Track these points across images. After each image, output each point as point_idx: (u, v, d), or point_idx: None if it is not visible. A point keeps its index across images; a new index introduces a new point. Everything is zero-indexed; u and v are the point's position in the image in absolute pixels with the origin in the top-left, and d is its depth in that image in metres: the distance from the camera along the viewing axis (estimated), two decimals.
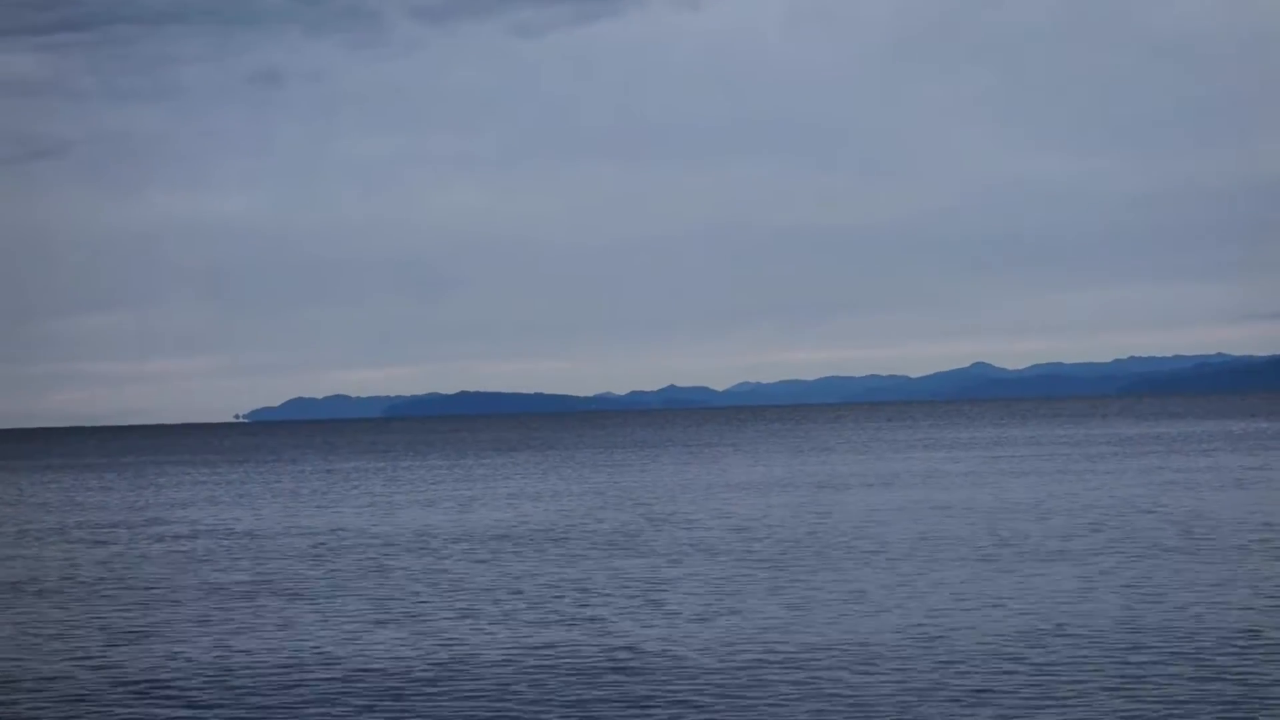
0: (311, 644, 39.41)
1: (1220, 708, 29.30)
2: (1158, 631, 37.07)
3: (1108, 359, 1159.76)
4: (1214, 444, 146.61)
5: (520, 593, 48.25)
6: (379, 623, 42.92)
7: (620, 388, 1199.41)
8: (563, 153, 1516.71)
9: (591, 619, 41.85)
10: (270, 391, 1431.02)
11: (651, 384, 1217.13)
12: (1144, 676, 32.00)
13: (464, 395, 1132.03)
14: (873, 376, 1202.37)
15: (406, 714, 31.10)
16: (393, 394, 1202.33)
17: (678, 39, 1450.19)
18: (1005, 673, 32.80)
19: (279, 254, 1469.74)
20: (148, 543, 72.56)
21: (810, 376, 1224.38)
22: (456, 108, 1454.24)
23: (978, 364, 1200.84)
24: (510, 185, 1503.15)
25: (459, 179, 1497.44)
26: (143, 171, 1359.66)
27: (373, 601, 47.71)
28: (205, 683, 34.74)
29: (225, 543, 71.10)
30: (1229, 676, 31.75)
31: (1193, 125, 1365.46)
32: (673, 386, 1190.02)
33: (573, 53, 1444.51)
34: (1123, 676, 32.06)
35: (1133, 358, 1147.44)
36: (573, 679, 33.52)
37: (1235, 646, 34.97)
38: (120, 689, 34.37)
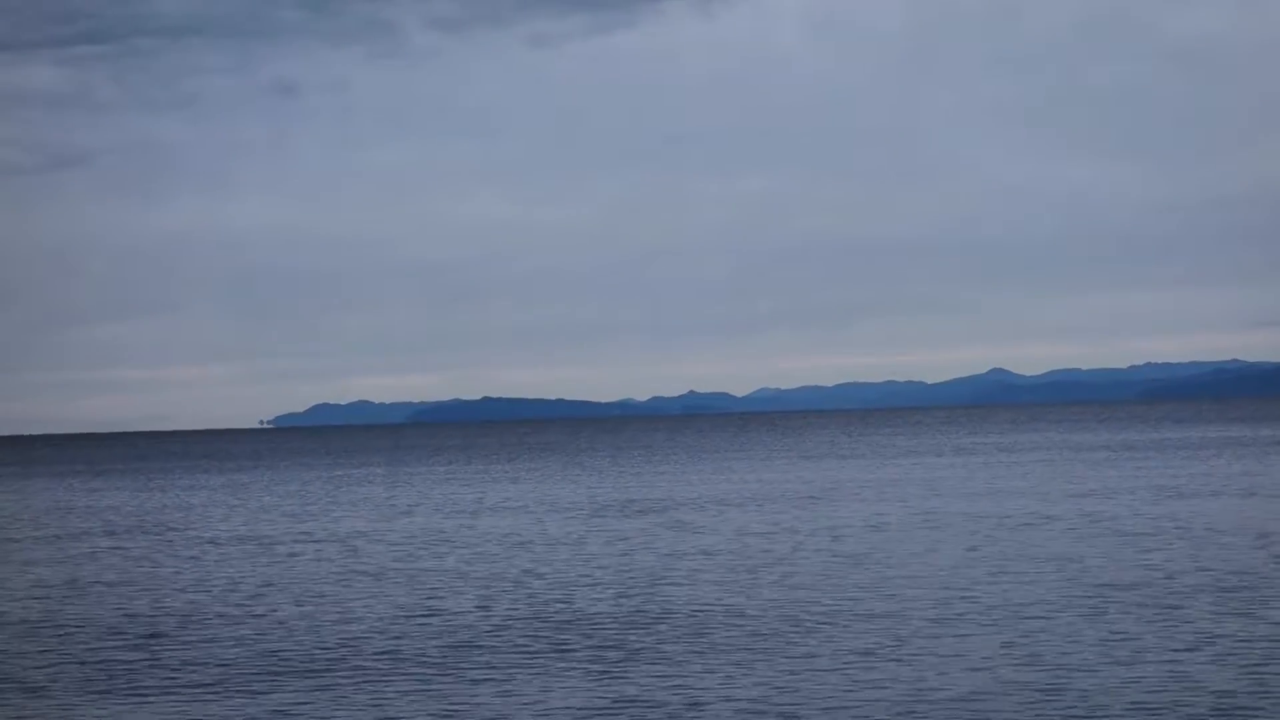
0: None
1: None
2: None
3: (1124, 365, 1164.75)
4: (1210, 451, 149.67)
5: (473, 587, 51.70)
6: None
7: (641, 394, 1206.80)
8: (581, 161, 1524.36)
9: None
10: (295, 398, 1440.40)
11: (672, 390, 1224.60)
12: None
13: (487, 401, 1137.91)
14: (890, 382, 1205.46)
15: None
16: (416, 400, 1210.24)
17: (694, 49, 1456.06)
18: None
19: (301, 262, 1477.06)
20: (165, 546, 76.66)
21: (829, 383, 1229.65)
22: (474, 117, 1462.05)
23: (995, 370, 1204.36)
24: (528, 194, 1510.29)
25: (477, 188, 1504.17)
26: (166, 181, 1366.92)
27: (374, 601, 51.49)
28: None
29: (239, 546, 75.30)
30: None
31: (1209, 131, 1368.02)
32: (693, 393, 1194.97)
33: (589, 63, 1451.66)
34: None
35: (1149, 364, 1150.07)
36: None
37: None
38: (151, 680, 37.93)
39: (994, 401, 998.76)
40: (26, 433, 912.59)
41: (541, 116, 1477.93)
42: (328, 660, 39.10)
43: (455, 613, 47.39)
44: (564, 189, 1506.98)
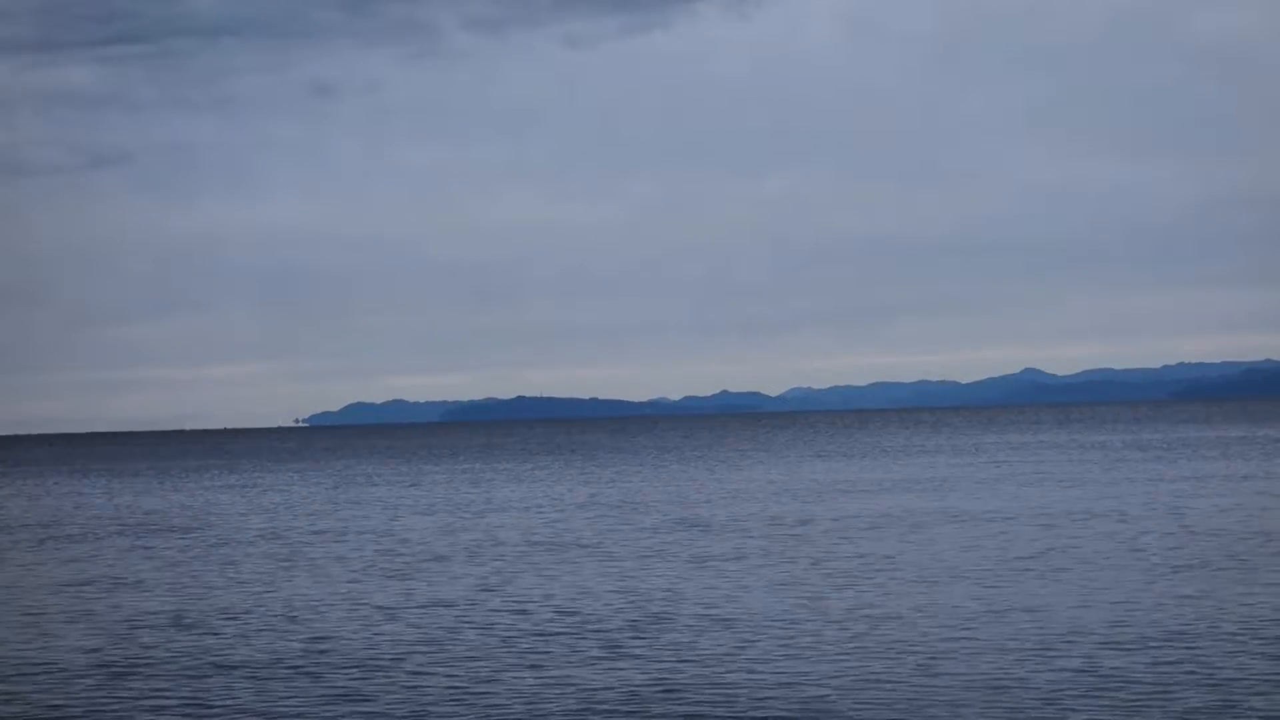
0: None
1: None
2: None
3: (1157, 365, 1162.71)
4: (1218, 450, 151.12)
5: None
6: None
7: (674, 393, 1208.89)
8: (614, 161, 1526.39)
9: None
10: (330, 396, 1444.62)
11: (705, 389, 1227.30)
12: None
13: (520, 400, 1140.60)
14: (923, 382, 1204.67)
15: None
16: (450, 399, 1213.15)
17: (727, 50, 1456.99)
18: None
19: (336, 261, 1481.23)
20: (157, 546, 79.24)
21: (861, 382, 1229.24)
22: (508, 117, 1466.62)
23: (1028, 370, 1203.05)
24: (563, 193, 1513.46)
25: (510, 187, 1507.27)
26: (201, 180, 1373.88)
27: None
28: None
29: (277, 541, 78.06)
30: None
31: (1240, 131, 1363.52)
32: (725, 392, 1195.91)
33: (623, 63, 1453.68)
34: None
35: (1182, 364, 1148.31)
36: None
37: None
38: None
39: (1027, 401, 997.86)
40: (62, 431, 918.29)
41: (575, 116, 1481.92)
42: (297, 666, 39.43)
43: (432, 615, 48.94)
44: (597, 188, 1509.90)
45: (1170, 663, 34.94)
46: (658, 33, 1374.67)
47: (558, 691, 33.98)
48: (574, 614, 45.83)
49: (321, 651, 40.49)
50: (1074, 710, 30.58)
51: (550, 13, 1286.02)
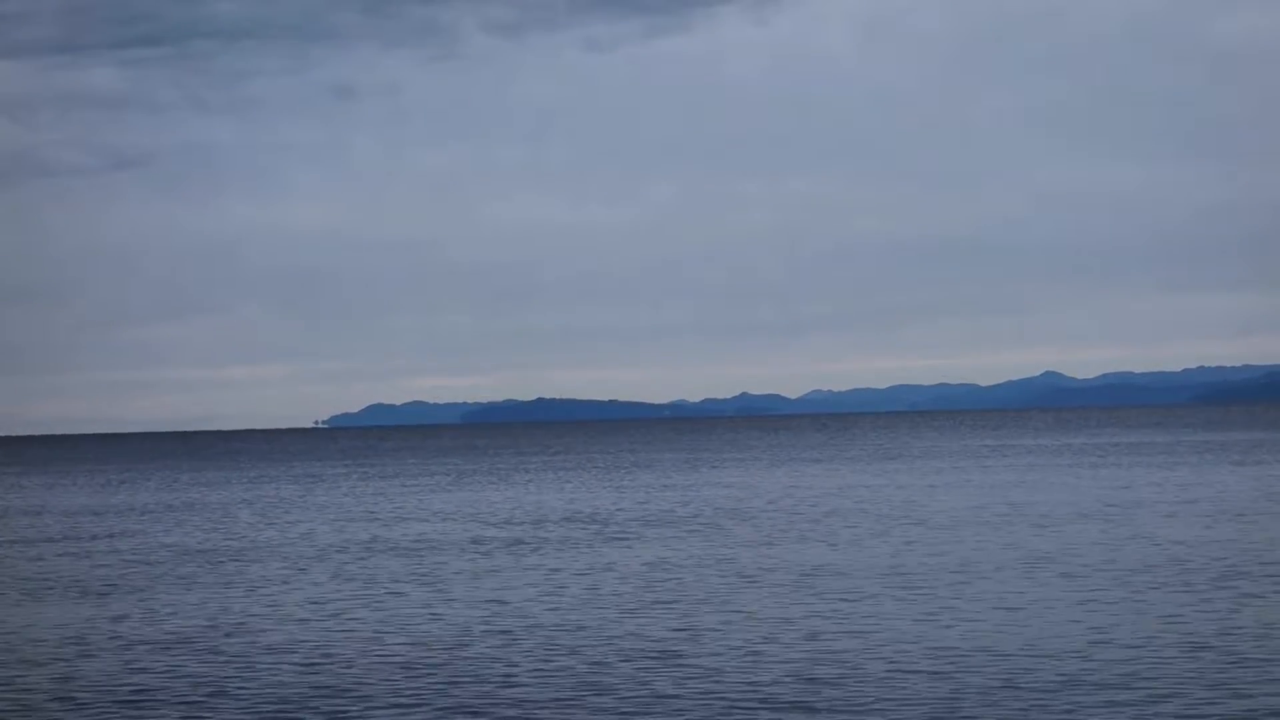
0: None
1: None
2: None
3: (1177, 368, 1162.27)
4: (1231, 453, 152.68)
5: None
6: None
7: (694, 396, 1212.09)
8: (633, 163, 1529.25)
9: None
10: (350, 398, 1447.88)
11: (725, 392, 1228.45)
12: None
13: (540, 402, 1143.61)
14: (943, 385, 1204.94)
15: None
16: (470, 401, 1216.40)
17: (746, 53, 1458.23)
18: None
19: (356, 263, 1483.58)
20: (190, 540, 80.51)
21: (881, 385, 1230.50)
22: (527, 119, 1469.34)
23: (1047, 373, 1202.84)
24: (583, 195, 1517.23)
25: (530, 189, 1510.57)
26: (222, 182, 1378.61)
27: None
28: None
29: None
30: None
31: (1260, 134, 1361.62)
32: (746, 394, 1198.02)
33: (642, 66, 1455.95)
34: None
35: (1202, 367, 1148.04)
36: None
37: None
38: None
39: (1046, 404, 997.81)
40: (82, 431, 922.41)
41: (594, 119, 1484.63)
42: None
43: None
44: (616, 191, 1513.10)
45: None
46: (677, 36, 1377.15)
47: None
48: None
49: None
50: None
51: (570, 16, 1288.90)
